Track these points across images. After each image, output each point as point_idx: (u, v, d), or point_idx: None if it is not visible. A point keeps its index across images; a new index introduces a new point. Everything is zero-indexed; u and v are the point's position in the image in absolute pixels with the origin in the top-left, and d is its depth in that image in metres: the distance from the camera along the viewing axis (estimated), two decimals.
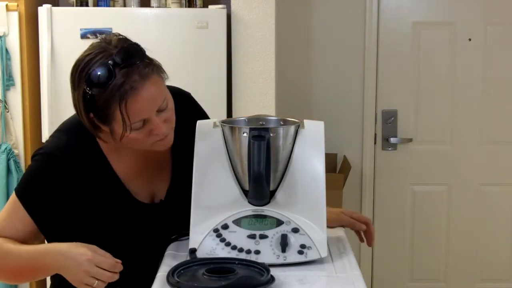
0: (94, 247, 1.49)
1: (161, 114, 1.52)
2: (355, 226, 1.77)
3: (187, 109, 1.73)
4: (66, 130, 1.66)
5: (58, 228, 1.62)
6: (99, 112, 1.47)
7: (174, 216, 1.68)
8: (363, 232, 1.78)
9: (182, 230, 1.62)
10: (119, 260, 1.48)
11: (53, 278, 1.77)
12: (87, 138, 1.60)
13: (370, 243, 1.79)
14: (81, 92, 1.46)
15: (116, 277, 1.47)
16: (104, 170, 1.63)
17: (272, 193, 1.53)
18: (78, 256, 1.46)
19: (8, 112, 3.15)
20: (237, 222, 1.49)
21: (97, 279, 1.45)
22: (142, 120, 1.49)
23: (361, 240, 1.81)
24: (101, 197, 1.63)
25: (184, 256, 1.52)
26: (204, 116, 1.79)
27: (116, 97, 1.43)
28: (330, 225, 1.63)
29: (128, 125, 1.46)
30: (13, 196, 1.63)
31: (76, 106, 1.51)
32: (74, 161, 1.59)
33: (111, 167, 1.63)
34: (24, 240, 1.60)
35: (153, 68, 1.51)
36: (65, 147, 1.61)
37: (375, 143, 3.81)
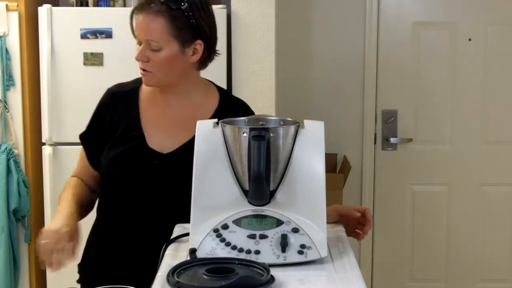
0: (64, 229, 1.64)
1: (151, 52, 1.71)
2: (349, 212, 1.76)
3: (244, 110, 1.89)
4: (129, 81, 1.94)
5: (98, 161, 1.82)
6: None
7: (176, 172, 1.74)
8: (360, 219, 1.76)
9: (181, 190, 1.68)
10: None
11: (81, 270, 1.89)
12: (136, 84, 1.86)
13: (363, 232, 1.76)
14: None
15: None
16: (132, 113, 1.81)
17: (272, 193, 1.53)
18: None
19: (8, 112, 3.15)
20: (237, 222, 1.49)
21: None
22: (138, 39, 1.74)
23: (355, 235, 1.78)
24: (120, 134, 1.79)
25: (184, 256, 1.52)
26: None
27: (132, 10, 1.76)
28: (328, 220, 1.63)
29: (133, 33, 1.75)
30: None
31: None
32: (120, 98, 1.84)
33: (138, 111, 1.81)
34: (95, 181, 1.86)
35: (164, 14, 1.69)
36: (120, 84, 1.91)
37: (375, 143, 3.81)
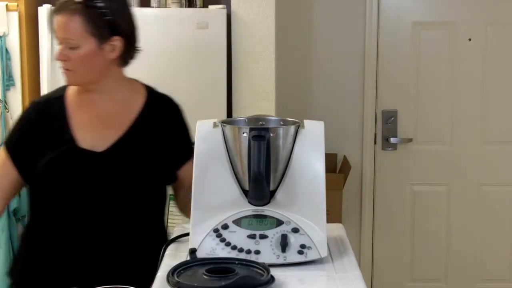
0: None
1: (69, 50, 1.77)
2: None
3: (169, 114, 1.93)
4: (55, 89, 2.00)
5: (28, 170, 1.83)
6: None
7: (113, 170, 1.78)
8: None
9: (121, 188, 1.77)
10: None
11: (13, 275, 1.92)
12: (61, 92, 1.91)
13: None
14: None
15: None
16: (60, 118, 1.84)
17: (272, 193, 1.53)
18: None
19: (8, 112, 3.15)
20: (237, 222, 1.49)
21: None
22: (57, 39, 1.79)
23: None
24: (51, 141, 1.81)
25: (184, 256, 1.52)
26: (181, 124, 1.95)
27: (54, 9, 1.80)
28: None
29: (53, 33, 1.81)
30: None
31: None
32: (44, 105, 1.88)
33: (66, 115, 1.84)
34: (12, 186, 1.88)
35: (82, 12, 1.75)
36: (45, 95, 2.01)
37: (375, 143, 3.81)
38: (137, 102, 1.89)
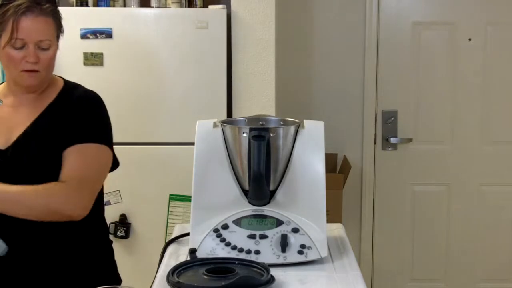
0: None
1: (40, 51, 1.75)
2: None
3: (76, 107, 1.83)
4: None
5: None
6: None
7: (11, 166, 1.74)
8: None
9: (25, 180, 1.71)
10: None
11: None
12: None
13: None
14: None
15: None
16: None
17: (272, 193, 1.53)
18: None
19: None
20: (237, 222, 1.49)
21: None
22: (23, 41, 1.73)
23: None
24: None
25: (184, 256, 1.52)
26: (85, 117, 1.83)
27: (15, 12, 1.73)
28: None
29: (14, 37, 1.72)
30: None
31: None
32: None
33: None
34: None
35: (53, 14, 1.80)
36: None
37: (375, 143, 3.81)
38: (47, 98, 1.86)
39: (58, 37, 1.84)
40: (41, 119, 1.80)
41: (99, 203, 1.88)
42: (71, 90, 1.88)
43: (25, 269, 1.77)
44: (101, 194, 1.89)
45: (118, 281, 1.94)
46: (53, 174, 1.72)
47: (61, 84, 1.90)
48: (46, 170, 1.74)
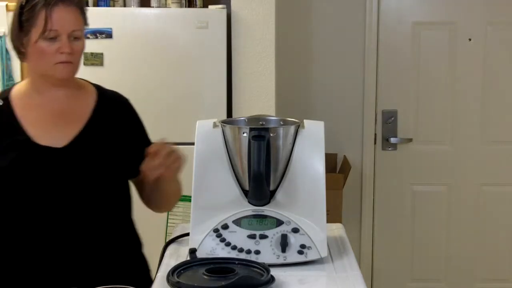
0: None
1: (73, 41, 1.74)
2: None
3: (123, 109, 1.91)
4: None
5: None
6: (27, 14, 1.76)
7: (76, 165, 1.74)
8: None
9: (85, 183, 1.74)
10: None
11: None
12: (2, 96, 1.83)
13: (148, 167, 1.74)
14: (18, 5, 1.81)
15: None
16: (9, 121, 1.77)
17: (272, 193, 1.53)
18: None
19: None
20: (237, 222, 1.49)
21: None
22: (57, 32, 1.71)
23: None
24: (6, 145, 1.74)
25: (184, 256, 1.52)
26: (136, 118, 1.95)
27: (47, 3, 1.72)
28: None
29: (48, 29, 1.70)
30: None
31: (12, 22, 1.84)
32: None
33: (15, 117, 1.77)
34: None
35: (81, 5, 1.81)
36: None
37: (375, 143, 3.81)
38: (89, 98, 1.86)
39: (85, 28, 1.84)
40: (92, 121, 1.81)
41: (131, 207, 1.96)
42: (103, 89, 1.91)
43: (72, 266, 1.76)
44: (130, 196, 1.96)
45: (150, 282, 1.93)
46: (109, 176, 1.78)
47: (83, 81, 1.90)
48: (101, 171, 1.77)
